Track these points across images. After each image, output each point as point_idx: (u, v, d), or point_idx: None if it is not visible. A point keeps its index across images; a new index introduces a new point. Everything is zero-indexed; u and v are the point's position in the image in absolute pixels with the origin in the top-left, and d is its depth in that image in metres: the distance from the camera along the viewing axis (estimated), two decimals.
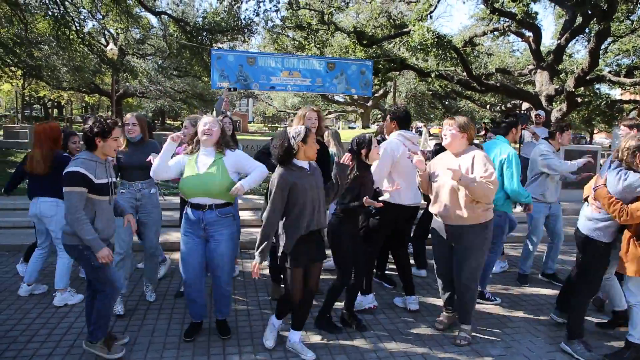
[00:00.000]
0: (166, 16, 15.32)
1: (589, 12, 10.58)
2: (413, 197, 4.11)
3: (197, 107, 31.74)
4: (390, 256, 4.69)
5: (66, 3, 13.88)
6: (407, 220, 4.27)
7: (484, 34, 15.03)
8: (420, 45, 11.99)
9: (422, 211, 4.95)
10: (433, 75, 13.51)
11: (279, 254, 3.16)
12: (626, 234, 3.31)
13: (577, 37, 13.40)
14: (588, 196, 3.56)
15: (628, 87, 13.91)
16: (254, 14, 15.24)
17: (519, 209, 5.79)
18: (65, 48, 15.14)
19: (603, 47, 13.31)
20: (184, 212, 3.44)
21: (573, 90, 11.90)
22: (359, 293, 3.98)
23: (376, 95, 26.86)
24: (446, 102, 29.77)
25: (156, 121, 39.99)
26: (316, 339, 3.61)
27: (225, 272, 3.46)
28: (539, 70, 12.79)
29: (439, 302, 4.08)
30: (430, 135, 20.97)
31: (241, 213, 7.00)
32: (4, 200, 6.47)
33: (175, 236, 5.76)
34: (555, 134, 4.89)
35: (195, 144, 3.40)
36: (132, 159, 3.95)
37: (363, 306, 4.11)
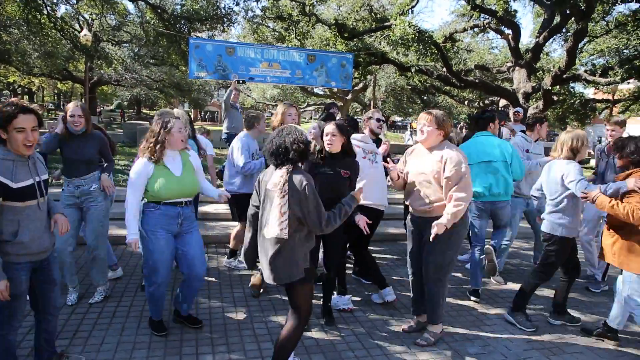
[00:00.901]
0: (143, 2, 14.90)
1: (568, 12, 10.70)
2: (376, 199, 4.02)
3: (174, 97, 31.15)
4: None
5: None
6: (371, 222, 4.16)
7: (464, 30, 15.08)
8: (402, 39, 11.94)
9: None
10: (413, 70, 13.50)
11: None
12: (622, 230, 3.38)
13: (555, 36, 13.55)
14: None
15: (602, 87, 14.18)
16: (233, 3, 14.93)
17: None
18: (36, 33, 14.57)
19: (579, 46, 13.50)
20: (151, 209, 3.23)
21: (550, 88, 12.07)
22: (335, 293, 3.95)
23: (355, 88, 26.81)
24: (425, 97, 29.89)
25: (132, 110, 39.20)
26: None
27: (202, 262, 3.45)
28: (517, 68, 12.91)
29: None
30: (412, 129, 21.04)
31: (217, 207, 6.89)
32: None
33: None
34: (535, 125, 5.04)
35: (158, 151, 3.17)
36: (75, 153, 3.76)
37: (339, 306, 4.05)
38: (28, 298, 2.70)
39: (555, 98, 14.09)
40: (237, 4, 13.66)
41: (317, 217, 2.58)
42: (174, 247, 3.34)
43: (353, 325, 3.78)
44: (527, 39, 25.57)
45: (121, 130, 18.82)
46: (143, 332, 3.50)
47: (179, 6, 15.23)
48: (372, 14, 15.28)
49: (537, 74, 14.47)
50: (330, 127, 3.51)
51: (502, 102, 15.62)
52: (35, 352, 2.86)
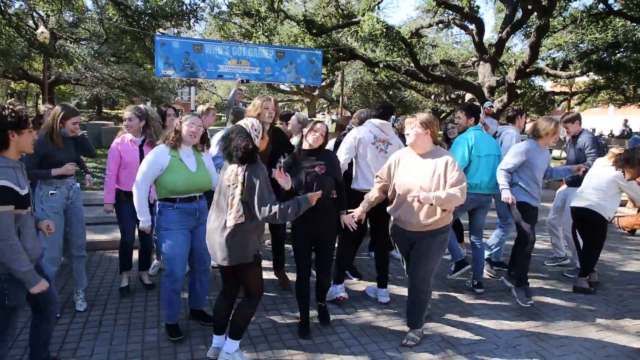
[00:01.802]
0: None
1: (530, 8, 11.03)
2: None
3: (137, 95, 30.25)
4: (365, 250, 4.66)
5: None
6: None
7: (430, 25, 15.31)
8: (370, 35, 12.02)
9: None
10: (381, 65, 13.62)
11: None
12: None
13: (516, 31, 13.96)
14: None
15: (561, 80, 14.73)
16: None
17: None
18: None
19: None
20: (168, 208, 3.30)
21: (514, 82, 12.42)
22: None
23: (322, 84, 26.84)
24: (391, 92, 30.24)
25: (92, 110, 37.86)
26: (286, 337, 3.51)
27: (209, 256, 3.43)
28: (481, 63, 13.21)
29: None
30: None
31: None
32: None
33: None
34: (516, 117, 5.23)
35: (178, 141, 3.33)
36: (69, 155, 3.74)
37: (332, 296, 4.07)
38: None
39: (518, 91, 14.51)
40: (203, 0, 13.37)
41: (258, 205, 2.78)
42: (190, 244, 3.43)
43: (348, 322, 3.79)
44: (488, 34, 26.24)
45: (85, 131, 18.12)
46: (134, 340, 3.40)
47: (142, 2, 14.77)
48: (339, 9, 15.29)
49: (501, 68, 14.89)
50: (322, 127, 3.55)
51: (468, 96, 16.01)
52: (32, 349, 2.80)
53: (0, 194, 2.28)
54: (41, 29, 13.96)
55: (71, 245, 3.88)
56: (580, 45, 15.11)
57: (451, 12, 13.56)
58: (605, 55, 11.78)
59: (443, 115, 27.32)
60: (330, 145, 4.62)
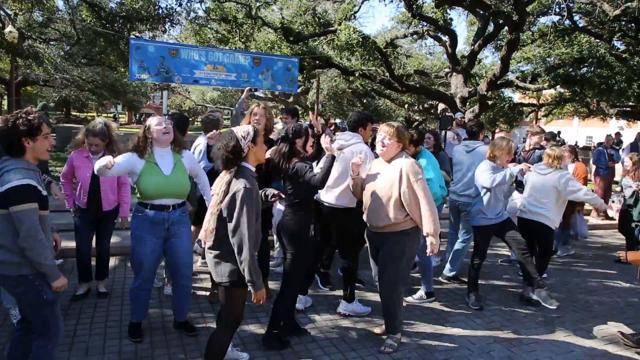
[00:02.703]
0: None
1: (501, 22, 11.40)
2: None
3: (108, 99, 29.61)
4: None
5: None
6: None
7: (405, 36, 15.62)
8: (347, 44, 12.17)
9: None
10: (357, 74, 13.80)
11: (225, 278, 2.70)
12: None
13: (487, 44, 14.38)
14: None
15: (530, 92, 15.22)
16: (176, 3, 14.44)
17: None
18: None
19: None
20: (136, 215, 3.27)
21: (485, 93, 12.78)
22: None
23: (297, 91, 26.90)
24: (365, 100, 30.58)
25: (59, 112, 36.88)
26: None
27: (189, 268, 3.51)
28: (454, 74, 13.56)
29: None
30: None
31: None
32: None
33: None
34: (479, 134, 5.35)
35: (146, 146, 3.23)
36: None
37: (301, 307, 4.11)
38: None
39: (489, 102, 14.93)
40: (180, 5, 13.25)
41: (232, 229, 2.56)
42: (161, 251, 3.38)
43: (326, 329, 3.83)
44: (461, 46, 26.89)
45: (54, 134, 17.63)
46: (111, 349, 3.34)
47: (115, 4, 14.51)
48: (316, 18, 15.42)
49: (473, 79, 15.29)
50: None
51: (441, 106, 16.34)
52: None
53: (27, 192, 2.38)
54: (9, 28, 13.56)
55: None
56: (548, 59, 15.67)
57: (425, 24, 13.87)
58: (571, 69, 12.23)
59: (415, 124, 27.78)
60: None
